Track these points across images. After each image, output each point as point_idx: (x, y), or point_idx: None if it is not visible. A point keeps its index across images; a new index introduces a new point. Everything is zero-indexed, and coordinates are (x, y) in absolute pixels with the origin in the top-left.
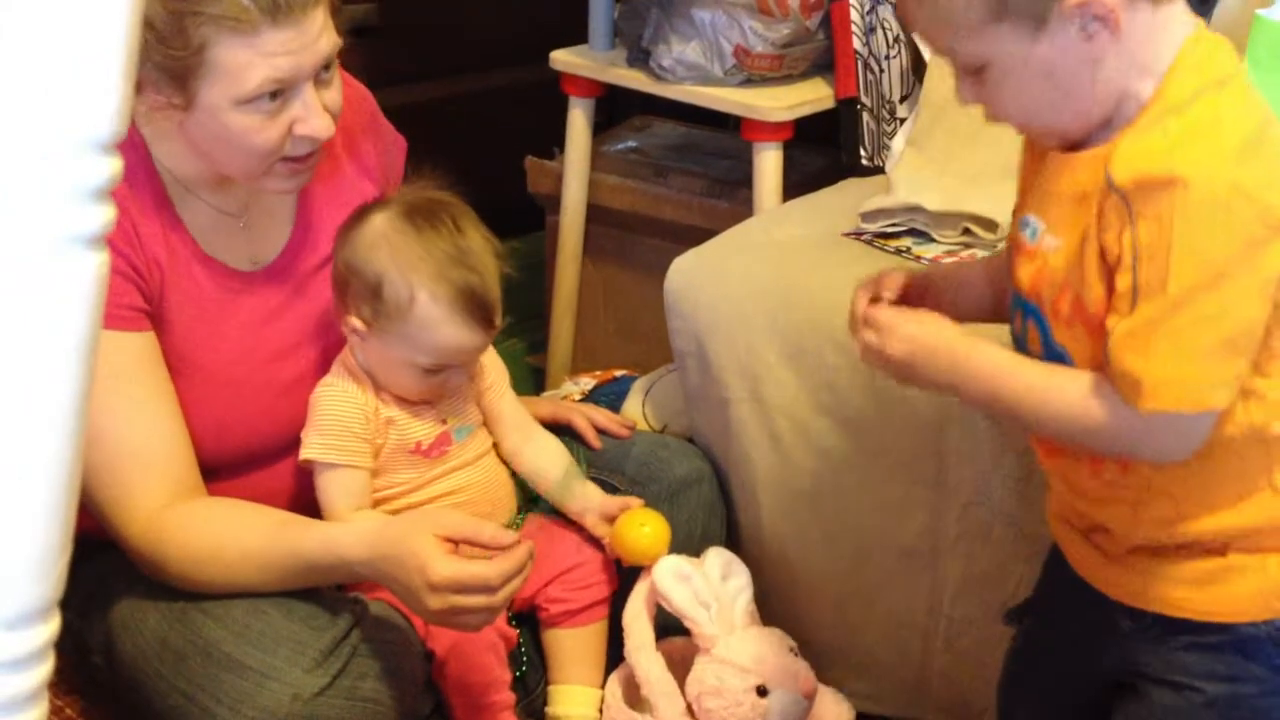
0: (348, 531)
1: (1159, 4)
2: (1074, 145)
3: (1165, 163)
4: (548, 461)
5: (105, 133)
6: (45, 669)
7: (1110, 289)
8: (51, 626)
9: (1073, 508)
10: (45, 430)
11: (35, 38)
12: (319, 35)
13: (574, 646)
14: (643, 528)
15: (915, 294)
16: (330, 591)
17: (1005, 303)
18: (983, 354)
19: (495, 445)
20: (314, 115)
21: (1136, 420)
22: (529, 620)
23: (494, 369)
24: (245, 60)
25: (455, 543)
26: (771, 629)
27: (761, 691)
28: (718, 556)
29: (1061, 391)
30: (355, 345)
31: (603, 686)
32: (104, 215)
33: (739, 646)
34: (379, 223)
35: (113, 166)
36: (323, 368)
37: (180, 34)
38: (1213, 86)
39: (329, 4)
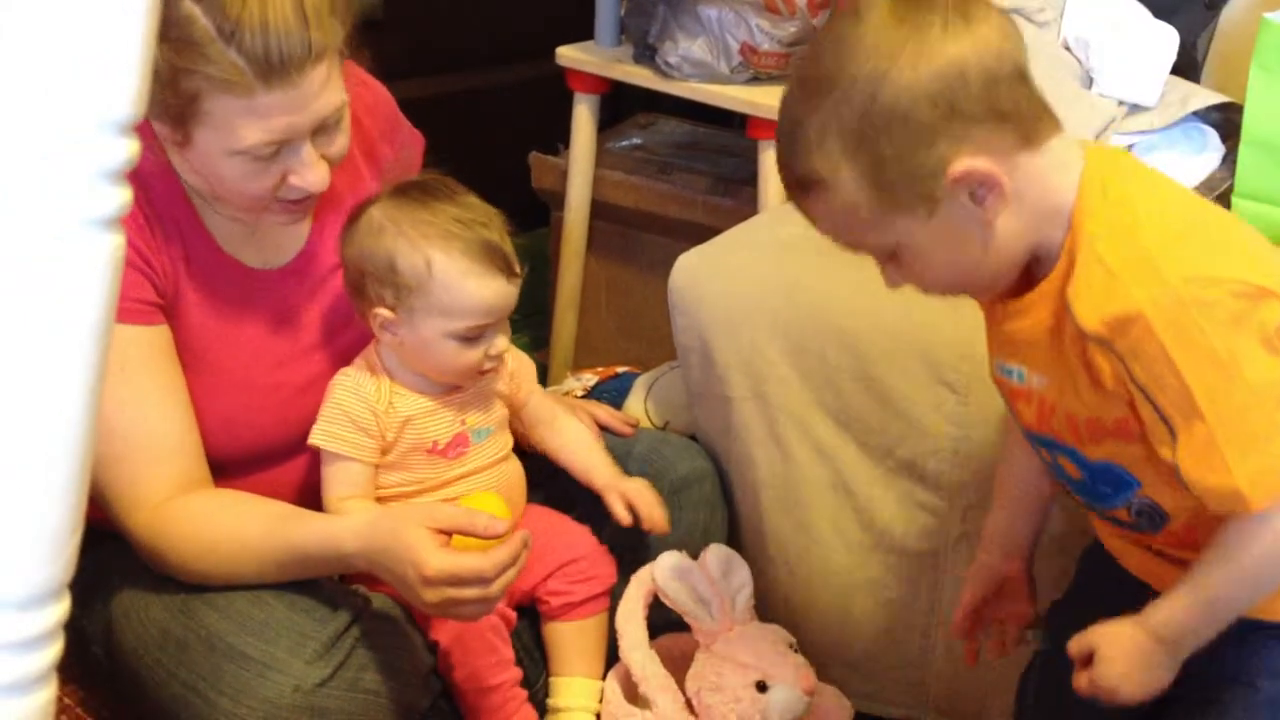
0: (343, 525)
1: (1039, 146)
2: (1013, 291)
3: (1121, 303)
4: (574, 440)
5: (123, 114)
6: (55, 650)
7: (1117, 399)
8: (61, 608)
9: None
10: (58, 411)
11: (54, 19)
12: (318, 94)
13: (575, 639)
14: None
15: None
16: (333, 583)
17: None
18: (1167, 616)
19: (522, 437)
20: (308, 170)
21: (1268, 521)
22: (528, 613)
23: (518, 362)
24: (239, 118)
25: (449, 534)
26: (771, 625)
27: (761, 687)
28: (717, 553)
29: (1226, 566)
30: (387, 341)
31: (604, 679)
32: (121, 197)
33: (739, 642)
34: (374, 212)
35: (130, 148)
36: (336, 372)
37: (174, 85)
38: (1120, 204)
39: (332, 59)
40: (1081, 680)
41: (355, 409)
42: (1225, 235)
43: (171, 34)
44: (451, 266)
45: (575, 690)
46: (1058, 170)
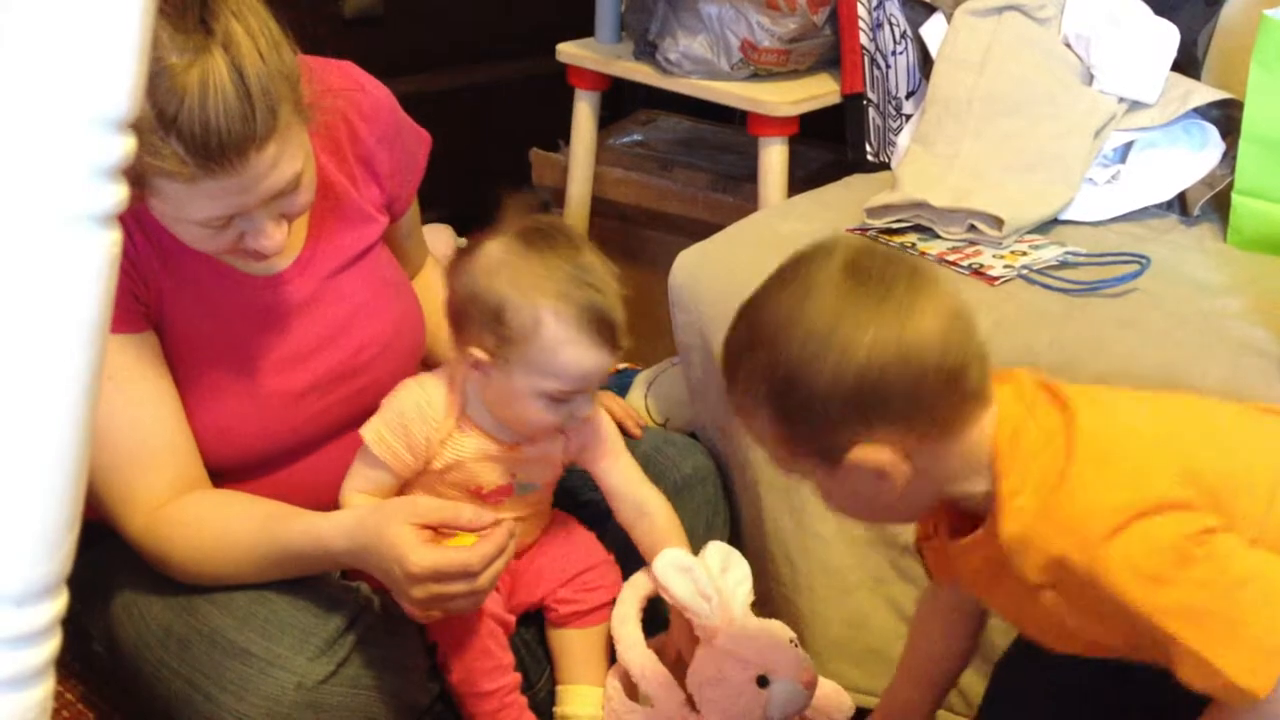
0: (330, 524)
1: (956, 434)
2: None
3: (1051, 551)
4: (663, 534)
5: (119, 111)
6: (53, 645)
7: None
8: (59, 603)
9: None
10: (55, 407)
11: (49, 15)
12: (267, 174)
13: (583, 647)
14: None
15: None
16: (335, 580)
17: (974, 620)
18: None
19: (612, 511)
20: (263, 236)
21: (1275, 703)
22: (534, 618)
23: (607, 433)
24: (186, 199)
25: (435, 529)
26: (772, 620)
27: (762, 682)
28: (717, 550)
29: None
30: (475, 380)
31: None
32: (116, 194)
33: (740, 637)
34: (494, 249)
35: (125, 145)
36: (337, 378)
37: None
38: (1031, 455)
39: (284, 133)
40: None
41: (415, 427)
42: (1130, 455)
43: None
44: (560, 330)
45: (583, 698)
46: (972, 444)
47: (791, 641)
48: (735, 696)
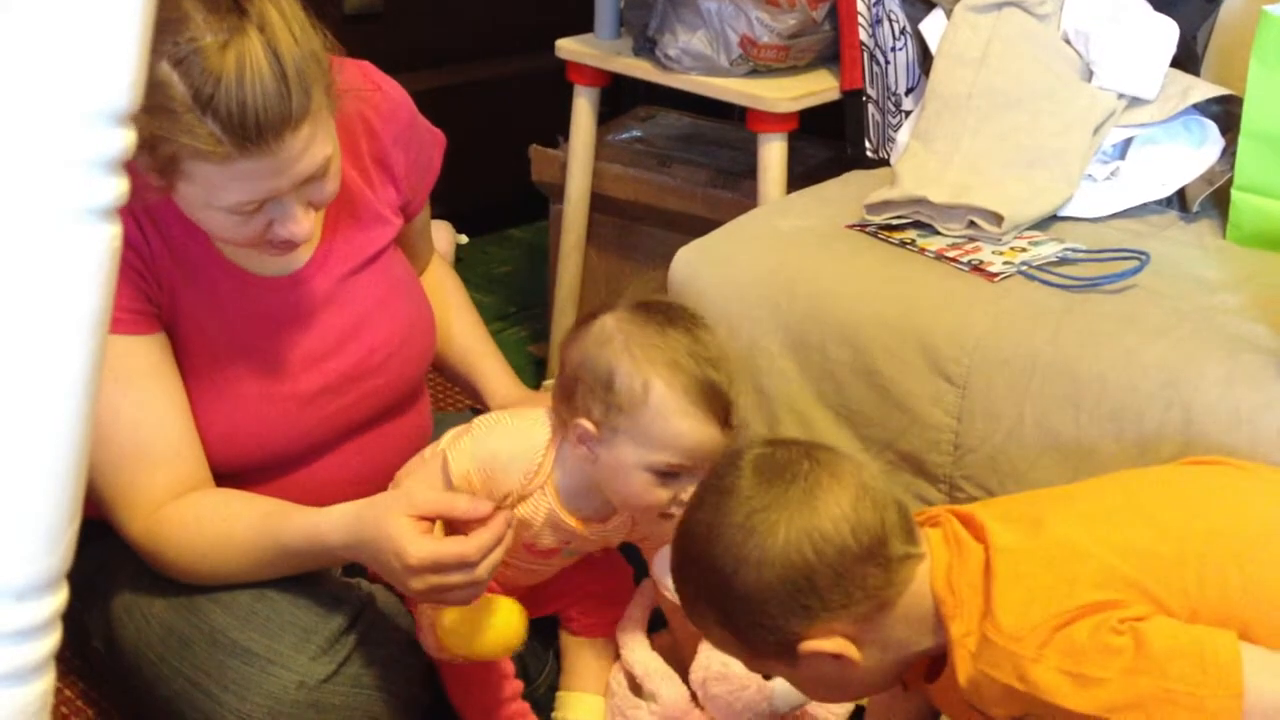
0: (328, 519)
1: (895, 601)
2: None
3: (1003, 685)
4: None
5: (120, 104)
6: (53, 640)
7: None
8: (59, 598)
9: None
10: (55, 401)
11: (50, 9)
12: (300, 156)
13: (591, 656)
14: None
15: None
16: (336, 578)
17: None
18: None
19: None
20: (293, 222)
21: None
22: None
23: None
24: (219, 181)
25: (432, 520)
26: None
27: (766, 675)
28: None
29: None
30: (580, 455)
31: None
32: (118, 187)
33: None
34: (609, 321)
35: (127, 138)
36: (348, 381)
37: (152, 148)
38: (965, 598)
39: (316, 116)
40: None
41: (503, 478)
42: (1048, 569)
43: (148, 100)
44: (669, 400)
45: (584, 707)
46: (915, 603)
47: None
48: (740, 690)
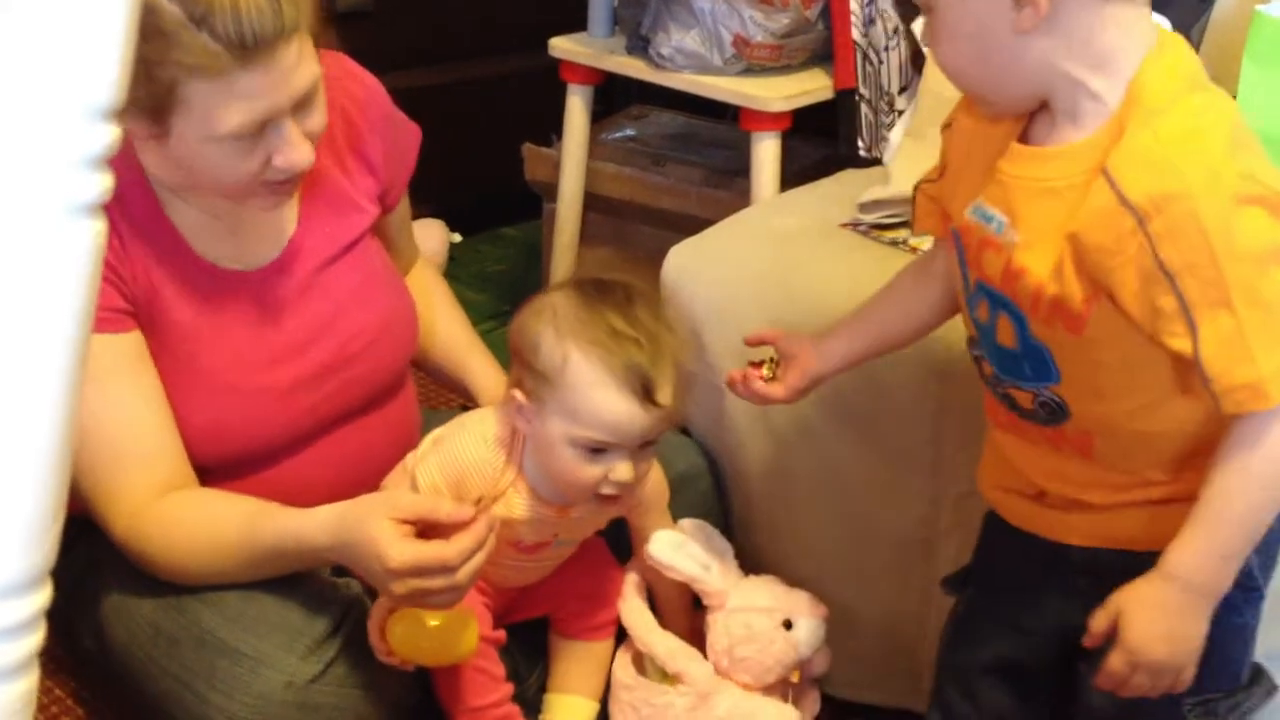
0: (312, 521)
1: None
2: (1009, 125)
3: (1172, 180)
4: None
5: (104, 100)
6: (37, 638)
7: (1092, 288)
8: (43, 596)
9: (1021, 475)
10: (39, 398)
11: (36, 6)
12: (293, 70)
13: (581, 658)
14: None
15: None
16: (323, 578)
17: (945, 303)
18: (1187, 552)
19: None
20: (292, 148)
21: (1275, 418)
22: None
23: (648, 497)
24: (217, 102)
25: (415, 524)
26: (764, 576)
27: (787, 625)
28: (693, 525)
29: (1241, 474)
30: (521, 428)
31: (599, 699)
32: (102, 183)
33: (751, 592)
34: (552, 295)
35: (112, 134)
36: (328, 371)
37: (149, 77)
38: (1187, 90)
39: (303, 35)
40: (1113, 662)
41: (471, 481)
42: (1271, 158)
43: (140, 25)
44: (586, 372)
45: (571, 709)
46: (1122, 30)
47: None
48: (768, 645)
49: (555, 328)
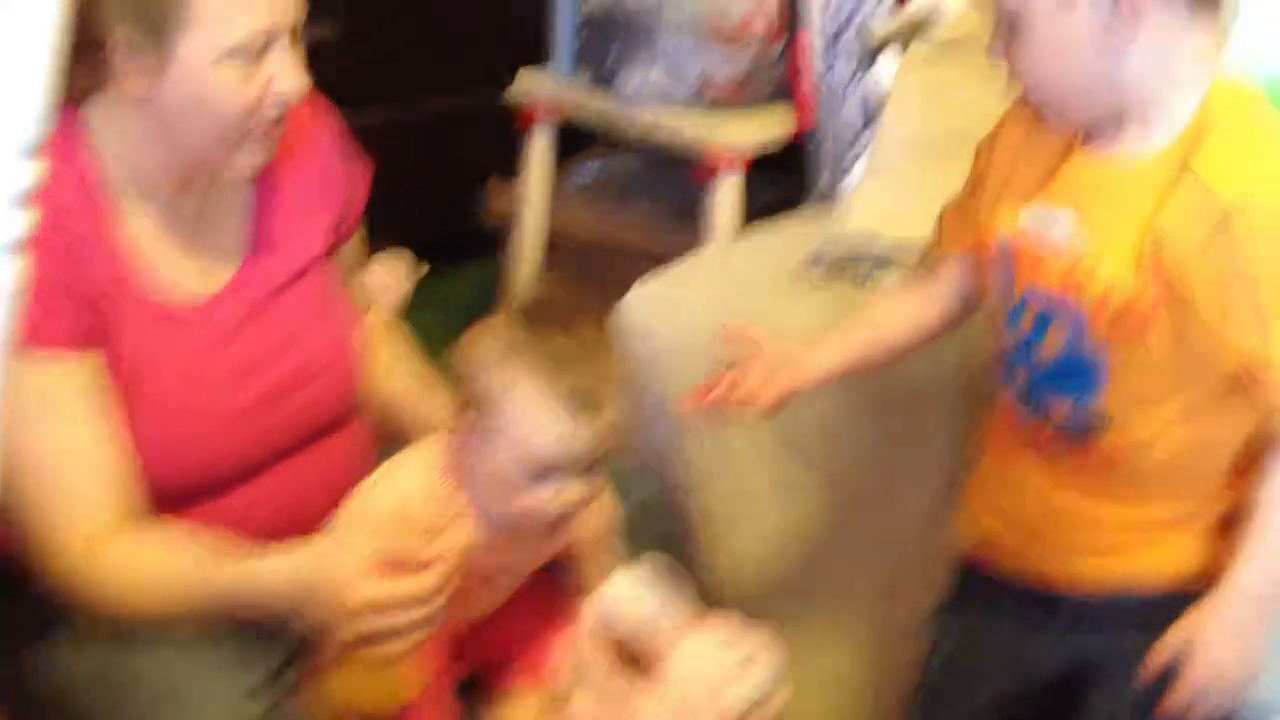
0: (268, 560)
1: (1194, 20)
2: (1079, 135)
3: (1261, 180)
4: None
5: (28, 138)
6: None
7: (1163, 289)
8: None
9: (1019, 509)
10: None
11: None
12: None
13: (527, 707)
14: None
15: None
16: (270, 623)
17: (939, 318)
18: (1251, 572)
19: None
20: (290, 72)
21: None
22: (475, 690)
23: (601, 528)
24: (229, 6)
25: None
26: (720, 615)
27: (745, 664)
28: (649, 563)
29: None
30: (467, 455)
31: None
32: (27, 220)
33: (710, 630)
34: (493, 322)
35: (35, 171)
36: (278, 396)
37: None
38: (1259, 106)
39: None
40: (1185, 690)
41: (416, 510)
42: None
43: None
44: (527, 398)
45: None
46: (1195, 49)
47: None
48: (725, 683)
49: (497, 355)
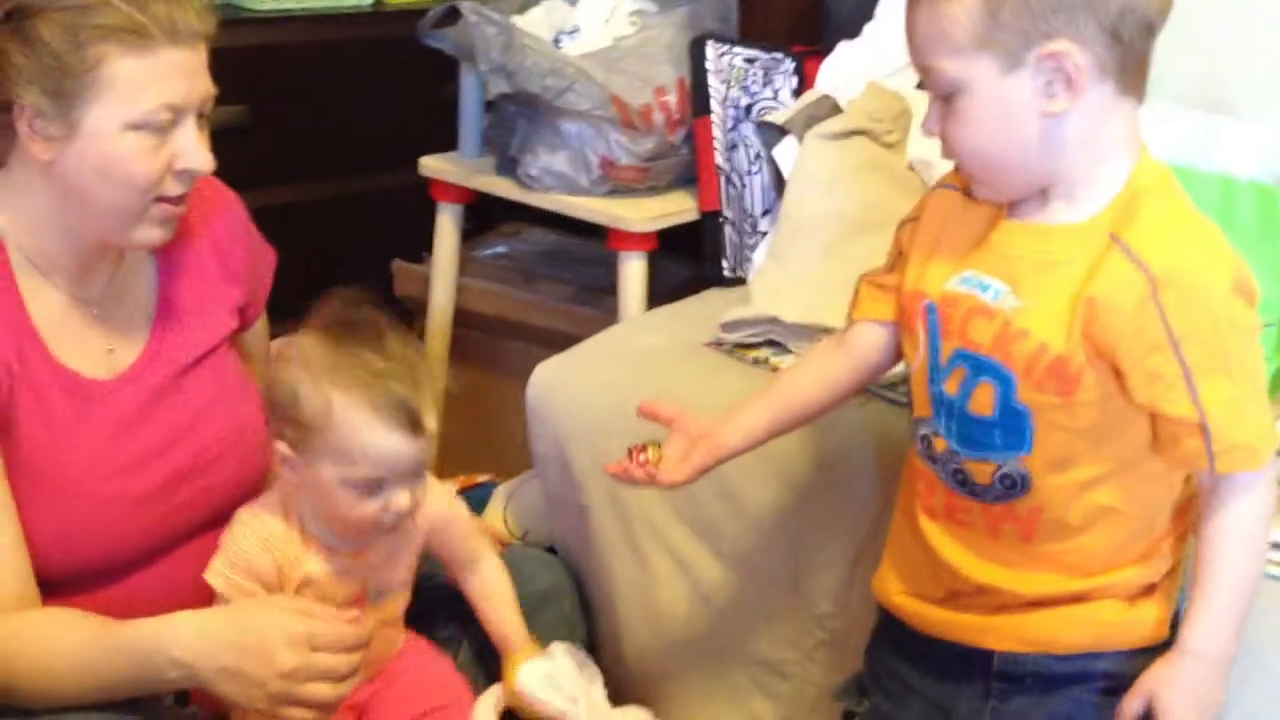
0: (170, 626)
1: (1125, 96)
2: (1005, 207)
3: (1188, 254)
4: (497, 596)
5: None
6: None
7: (1094, 351)
8: None
9: (936, 577)
10: None
11: None
12: (202, 70)
13: None
14: None
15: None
16: (166, 703)
17: (852, 379)
18: (1207, 628)
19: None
20: (196, 149)
21: (1260, 478)
22: None
23: (444, 517)
24: (141, 79)
25: None
26: (629, 707)
27: None
28: (564, 650)
29: (1239, 541)
30: (289, 479)
31: None
32: None
33: None
34: (300, 342)
35: None
36: (181, 479)
37: (76, 49)
38: (1174, 184)
39: (204, 52)
40: None
41: (259, 559)
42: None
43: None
44: (352, 414)
45: None
46: (1125, 121)
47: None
48: None
49: (311, 375)
